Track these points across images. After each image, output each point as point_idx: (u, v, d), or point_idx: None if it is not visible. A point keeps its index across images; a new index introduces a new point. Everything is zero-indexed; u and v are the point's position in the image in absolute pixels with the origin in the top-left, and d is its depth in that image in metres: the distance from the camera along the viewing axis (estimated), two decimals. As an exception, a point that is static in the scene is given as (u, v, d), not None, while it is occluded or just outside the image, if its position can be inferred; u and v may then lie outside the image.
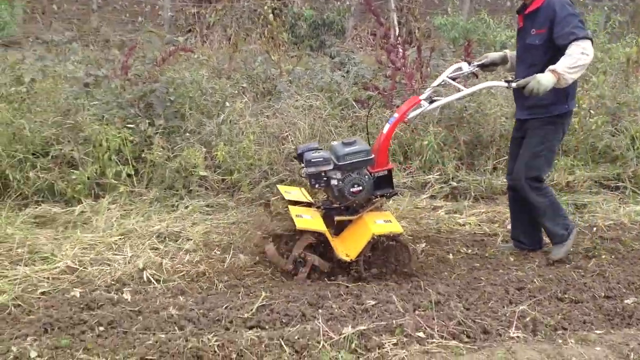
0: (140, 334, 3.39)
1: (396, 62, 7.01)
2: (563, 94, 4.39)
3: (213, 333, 3.40)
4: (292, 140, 6.17)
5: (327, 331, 3.44)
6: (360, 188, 4.28)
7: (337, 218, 4.43)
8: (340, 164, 4.24)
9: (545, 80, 4.12)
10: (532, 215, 4.73)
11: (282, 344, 3.32)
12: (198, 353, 3.20)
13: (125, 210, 5.31)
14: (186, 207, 5.41)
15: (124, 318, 3.55)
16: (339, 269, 4.29)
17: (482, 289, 4.13)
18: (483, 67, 4.84)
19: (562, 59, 4.15)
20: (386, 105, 6.96)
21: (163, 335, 3.36)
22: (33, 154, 5.57)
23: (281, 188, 4.78)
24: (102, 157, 5.55)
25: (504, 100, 7.10)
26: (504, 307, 3.90)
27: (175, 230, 4.96)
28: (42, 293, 3.92)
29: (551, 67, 4.16)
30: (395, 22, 11.21)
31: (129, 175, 5.64)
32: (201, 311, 3.65)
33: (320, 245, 4.23)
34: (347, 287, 4.10)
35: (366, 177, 4.30)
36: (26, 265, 4.26)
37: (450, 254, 4.84)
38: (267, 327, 3.54)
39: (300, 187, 4.81)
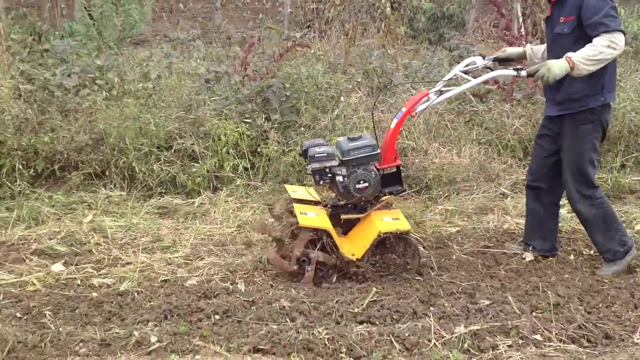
0: (253, 324, 3.48)
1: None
2: (598, 84, 4.02)
3: (324, 326, 3.43)
4: (406, 136, 6.10)
5: (438, 329, 3.40)
6: (367, 184, 4.10)
7: (343, 216, 4.27)
8: (345, 159, 4.09)
9: (556, 66, 3.83)
10: (552, 220, 4.48)
11: (393, 340, 3.30)
12: (309, 345, 3.23)
13: (241, 203, 5.46)
14: (299, 201, 5.46)
15: (239, 308, 3.66)
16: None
17: (606, 292, 3.91)
18: (500, 61, 4.56)
19: (585, 47, 3.83)
20: (506, 99, 6.72)
21: (275, 326, 3.44)
22: (157, 147, 5.84)
23: (288, 187, 4.59)
24: (220, 150, 5.74)
25: (634, 93, 6.66)
26: (628, 311, 3.68)
27: (290, 224, 5.03)
28: (163, 281, 4.12)
29: (568, 53, 3.85)
30: (519, 14, 10.79)
31: (245, 169, 5.80)
32: (312, 304, 3.69)
33: (320, 241, 4.03)
34: (461, 285, 4.01)
35: (372, 173, 4.11)
36: (149, 254, 4.49)
37: (572, 255, 4.60)
38: (377, 322, 3.53)
39: (307, 187, 4.64)
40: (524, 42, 6.75)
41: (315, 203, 4.32)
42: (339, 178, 4.12)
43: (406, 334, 3.35)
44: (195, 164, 5.69)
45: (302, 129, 6.03)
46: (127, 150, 5.70)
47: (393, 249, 4.10)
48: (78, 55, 7.74)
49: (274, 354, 3.20)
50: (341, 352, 3.21)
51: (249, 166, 5.81)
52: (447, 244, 4.74)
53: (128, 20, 9.99)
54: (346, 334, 3.33)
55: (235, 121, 5.85)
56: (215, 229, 4.95)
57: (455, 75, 4.36)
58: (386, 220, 4.08)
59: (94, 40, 9.35)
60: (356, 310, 3.63)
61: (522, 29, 8.31)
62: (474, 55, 4.66)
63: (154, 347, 3.24)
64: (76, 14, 11.34)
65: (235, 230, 4.95)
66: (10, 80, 6.21)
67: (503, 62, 4.56)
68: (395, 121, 4.15)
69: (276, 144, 5.78)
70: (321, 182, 4.18)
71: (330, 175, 4.14)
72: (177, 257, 4.45)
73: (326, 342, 3.27)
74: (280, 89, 6.21)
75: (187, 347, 3.24)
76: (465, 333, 3.35)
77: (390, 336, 3.33)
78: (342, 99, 6.25)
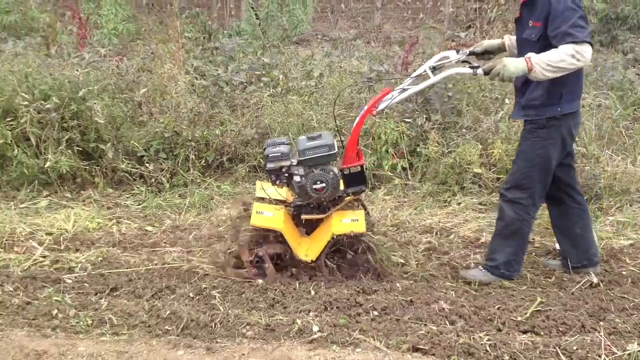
0: (412, 323, 3.47)
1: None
2: (556, 94, 3.74)
3: (485, 332, 3.37)
4: (576, 141, 5.79)
5: (609, 345, 3.22)
6: (324, 185, 3.94)
7: (303, 217, 4.16)
8: (300, 159, 3.95)
9: (512, 65, 3.58)
10: (579, 228, 4.11)
11: (559, 352, 3.16)
12: (469, 349, 3.19)
13: (398, 202, 5.47)
14: (458, 204, 5.38)
15: (397, 306, 3.67)
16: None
17: None
18: (477, 55, 4.24)
19: (548, 51, 3.54)
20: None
21: (434, 327, 3.41)
22: (318, 144, 5.97)
23: (259, 184, 4.40)
24: (379, 149, 5.77)
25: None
26: None
27: (447, 226, 4.97)
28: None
29: (529, 54, 3.59)
30: None
31: (403, 169, 5.79)
32: (472, 308, 3.63)
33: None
34: (634, 301, 3.76)
35: (331, 173, 3.95)
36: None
37: None
38: (542, 333, 3.41)
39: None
40: None
41: (282, 202, 4.20)
42: (297, 178, 4.03)
43: (574, 348, 3.20)
44: (355, 162, 5.76)
45: (464, 130, 5.92)
46: (296, 144, 5.89)
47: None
48: (244, 54, 8.10)
49: (433, 354, 3.18)
50: (504, 360, 3.13)
51: (408, 166, 5.80)
52: (619, 258, 4.45)
53: (291, 19, 10.32)
54: (509, 342, 3.24)
55: (395, 120, 5.86)
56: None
57: (424, 72, 4.09)
58: (345, 222, 3.94)
59: (259, 39, 9.76)
60: (519, 318, 3.53)
61: None
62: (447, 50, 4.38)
63: (315, 336, 3.33)
64: (243, 14, 11.91)
65: (392, 229, 4.95)
66: (185, 76, 6.63)
67: (481, 55, 4.27)
68: (357, 120, 4.02)
69: (436, 144, 5.72)
70: (277, 182, 4.07)
71: (287, 175, 4.04)
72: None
73: (487, 348, 3.20)
74: (442, 89, 6.14)
75: (346, 340, 3.30)
76: (639, 351, 3.15)
77: (557, 348, 3.19)
78: (507, 100, 6.06)
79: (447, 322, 3.50)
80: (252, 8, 10.23)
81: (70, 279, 4.00)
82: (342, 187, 4.09)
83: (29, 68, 6.17)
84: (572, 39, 3.50)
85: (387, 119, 5.85)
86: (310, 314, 3.59)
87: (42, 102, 5.74)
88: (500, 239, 4.04)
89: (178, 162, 5.83)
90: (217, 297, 3.79)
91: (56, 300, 3.68)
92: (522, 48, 3.83)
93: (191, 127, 5.95)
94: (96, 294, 3.81)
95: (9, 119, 5.75)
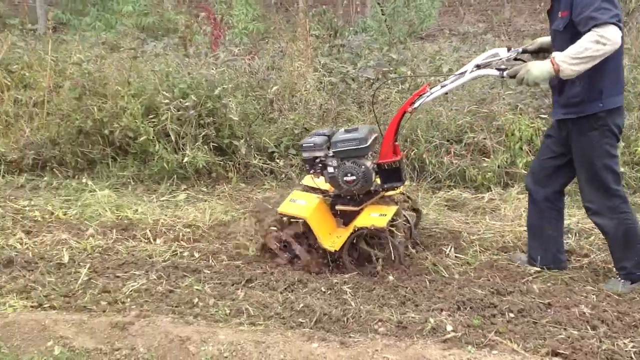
0: (550, 327, 3.33)
1: None
2: (596, 89, 3.54)
3: (629, 338, 3.18)
4: None
5: None
6: (354, 178, 4.00)
7: (338, 207, 4.22)
8: (333, 150, 4.06)
9: (536, 69, 3.43)
10: (552, 230, 4.01)
11: None
12: (613, 356, 3.03)
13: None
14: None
15: (534, 308, 3.53)
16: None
17: None
18: (532, 53, 3.97)
19: (571, 45, 3.35)
20: None
21: (575, 332, 3.26)
22: (447, 140, 5.89)
23: (308, 176, 4.40)
24: (513, 146, 5.59)
25: None
26: None
27: (586, 228, 4.72)
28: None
29: (553, 53, 3.42)
30: None
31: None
32: (615, 314, 3.43)
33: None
34: None
35: (363, 167, 3.99)
36: (437, 248, 4.54)
37: None
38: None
39: None
40: None
41: (322, 192, 4.31)
42: (330, 169, 4.12)
43: None
44: (486, 159, 5.62)
45: (604, 126, 5.61)
46: (418, 142, 5.84)
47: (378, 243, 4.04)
48: (370, 50, 8.11)
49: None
50: (655, 369, 2.95)
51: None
52: None
53: (418, 15, 10.22)
54: (656, 349, 3.04)
55: (530, 116, 5.65)
56: (507, 225, 4.82)
57: (473, 69, 3.88)
58: (373, 215, 3.99)
59: (384, 35, 9.75)
60: (669, 327, 3.30)
61: None
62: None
63: (449, 335, 3.27)
64: (368, 11, 11.94)
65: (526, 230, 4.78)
66: (314, 74, 6.73)
67: (536, 54, 3.97)
68: (394, 116, 4.04)
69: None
70: (311, 172, 4.20)
71: (320, 165, 4.14)
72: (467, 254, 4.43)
73: (632, 355, 3.03)
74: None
75: (482, 341, 3.22)
76: None
77: None
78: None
79: (588, 327, 3.32)
80: (379, 4, 10.23)
81: (208, 269, 4.16)
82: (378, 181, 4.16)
83: (169, 68, 6.51)
84: (595, 22, 3.32)
85: (522, 114, 5.65)
86: (443, 313, 3.53)
87: (181, 100, 6.03)
88: (618, 250, 3.86)
89: (305, 157, 5.92)
90: (348, 292, 3.81)
91: (197, 289, 3.85)
92: (554, 41, 3.72)
93: (320, 124, 6.03)
94: (233, 285, 3.94)
95: (151, 116, 6.09)
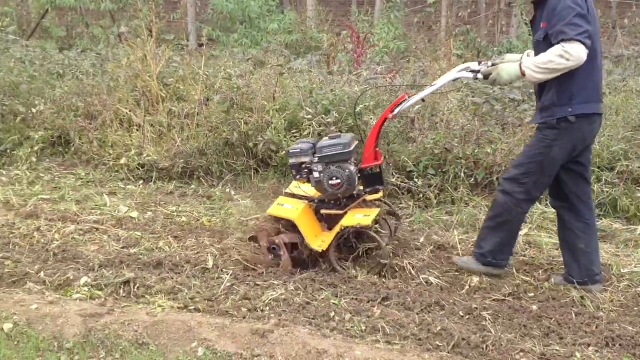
0: None
1: None
2: (566, 94, 3.76)
3: None
4: None
5: None
6: (339, 181, 4.23)
7: (322, 211, 4.42)
8: (318, 155, 4.30)
9: (506, 71, 3.79)
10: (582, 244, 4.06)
11: None
12: None
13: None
14: None
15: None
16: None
17: None
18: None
19: (540, 54, 3.67)
20: None
21: None
22: (598, 167, 5.58)
23: (294, 183, 4.65)
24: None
25: None
26: None
27: None
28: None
29: (523, 59, 3.82)
30: None
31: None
32: None
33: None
34: None
35: (347, 171, 4.23)
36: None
37: None
38: None
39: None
40: None
41: (307, 198, 4.50)
42: (315, 174, 4.35)
43: None
44: (640, 188, 5.28)
45: None
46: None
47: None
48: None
49: None
50: None
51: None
52: None
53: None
54: None
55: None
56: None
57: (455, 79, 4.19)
58: (357, 216, 4.21)
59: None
60: None
61: None
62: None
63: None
64: (513, 30, 11.62)
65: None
66: (457, 93, 6.63)
67: None
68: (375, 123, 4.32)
69: None
70: (297, 177, 4.46)
71: (306, 170, 4.38)
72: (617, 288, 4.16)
73: None
74: None
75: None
76: None
77: None
78: None
79: None
80: (526, 24, 9.92)
81: (344, 283, 4.18)
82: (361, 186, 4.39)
83: (312, 84, 6.66)
84: (563, 36, 3.55)
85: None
86: (590, 348, 3.36)
87: (323, 115, 6.15)
88: (489, 228, 4.18)
89: (446, 178, 5.82)
90: (487, 318, 3.70)
91: (333, 303, 3.87)
92: (536, 50, 3.87)
93: (461, 145, 5.92)
94: (368, 302, 3.93)
95: (293, 131, 6.26)
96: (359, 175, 4.35)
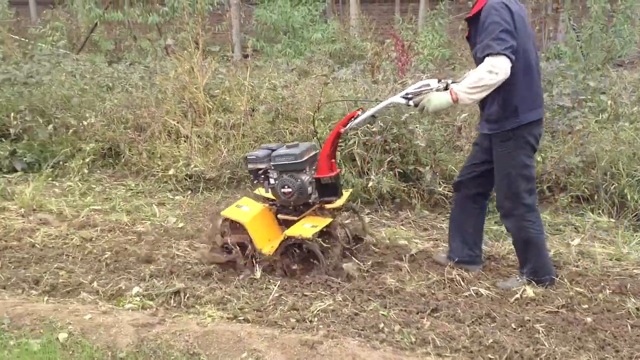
0: None
1: None
2: (510, 107, 3.86)
3: None
4: None
5: None
6: (290, 190, 4.34)
7: (280, 216, 4.55)
8: (272, 164, 4.41)
9: (436, 99, 3.79)
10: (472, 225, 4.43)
11: None
12: None
13: None
14: None
15: None
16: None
17: None
18: None
19: (468, 77, 3.81)
20: None
21: None
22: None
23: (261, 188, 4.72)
24: None
25: None
26: None
27: None
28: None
29: (451, 84, 3.86)
30: None
31: None
32: None
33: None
34: None
35: (298, 181, 4.32)
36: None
37: None
38: None
39: None
40: None
41: (270, 201, 4.61)
42: (271, 180, 4.49)
43: None
44: None
45: None
46: (619, 176, 5.44)
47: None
48: (563, 77, 7.73)
49: None
50: None
51: None
52: None
53: (618, 40, 9.59)
54: None
55: None
56: None
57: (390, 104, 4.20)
58: (305, 226, 4.28)
59: (579, 61, 9.25)
60: None
61: None
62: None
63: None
64: (561, 36, 11.42)
65: None
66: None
67: None
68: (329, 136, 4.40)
69: None
70: (255, 182, 4.61)
71: (263, 176, 4.51)
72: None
73: None
74: None
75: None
76: None
77: None
78: None
79: None
80: (574, 29, 9.75)
81: (392, 295, 4.15)
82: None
83: (357, 94, 6.65)
84: (489, 50, 3.62)
85: None
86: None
87: (368, 125, 6.12)
88: (520, 252, 4.23)
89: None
90: (540, 331, 3.63)
91: (382, 315, 3.85)
92: (475, 64, 3.87)
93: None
94: (417, 313, 3.90)
95: (339, 141, 6.24)
96: (314, 185, 4.46)
